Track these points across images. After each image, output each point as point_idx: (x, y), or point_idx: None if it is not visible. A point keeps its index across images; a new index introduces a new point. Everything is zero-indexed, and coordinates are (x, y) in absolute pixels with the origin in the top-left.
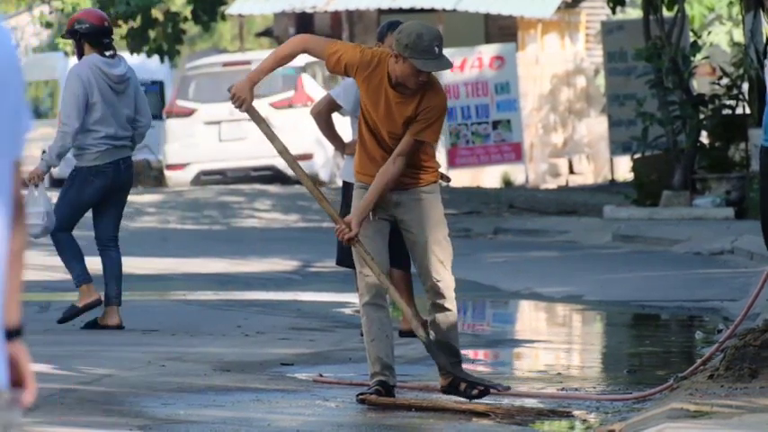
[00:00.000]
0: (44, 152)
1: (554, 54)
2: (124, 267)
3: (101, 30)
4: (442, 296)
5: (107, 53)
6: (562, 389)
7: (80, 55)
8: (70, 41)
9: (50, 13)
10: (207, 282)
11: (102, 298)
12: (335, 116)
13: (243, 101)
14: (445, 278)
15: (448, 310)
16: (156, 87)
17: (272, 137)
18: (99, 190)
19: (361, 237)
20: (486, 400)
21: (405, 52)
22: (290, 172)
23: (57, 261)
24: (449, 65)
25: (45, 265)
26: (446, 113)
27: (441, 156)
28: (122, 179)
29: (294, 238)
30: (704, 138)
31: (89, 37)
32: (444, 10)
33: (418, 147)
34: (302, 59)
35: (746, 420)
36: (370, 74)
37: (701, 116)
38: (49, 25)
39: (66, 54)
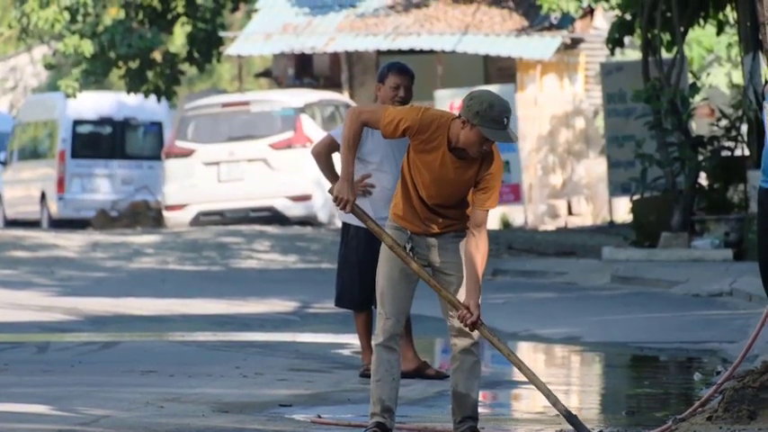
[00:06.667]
0: None
1: (553, 95)
2: (122, 307)
3: None
4: (471, 337)
5: None
6: (560, 431)
7: None
8: (72, 82)
9: (53, 54)
10: (205, 322)
11: None
12: (336, 156)
13: (347, 202)
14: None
15: (474, 355)
16: (156, 128)
17: (379, 233)
18: None
19: (387, 278)
20: None
21: (474, 119)
22: (288, 213)
23: (54, 302)
24: (515, 138)
25: (42, 305)
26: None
27: None
28: None
29: (293, 279)
30: (703, 179)
31: None
32: (444, 51)
33: (487, 214)
34: (300, 100)
35: None
36: (428, 137)
37: (700, 157)
38: (51, 67)
39: (68, 95)
